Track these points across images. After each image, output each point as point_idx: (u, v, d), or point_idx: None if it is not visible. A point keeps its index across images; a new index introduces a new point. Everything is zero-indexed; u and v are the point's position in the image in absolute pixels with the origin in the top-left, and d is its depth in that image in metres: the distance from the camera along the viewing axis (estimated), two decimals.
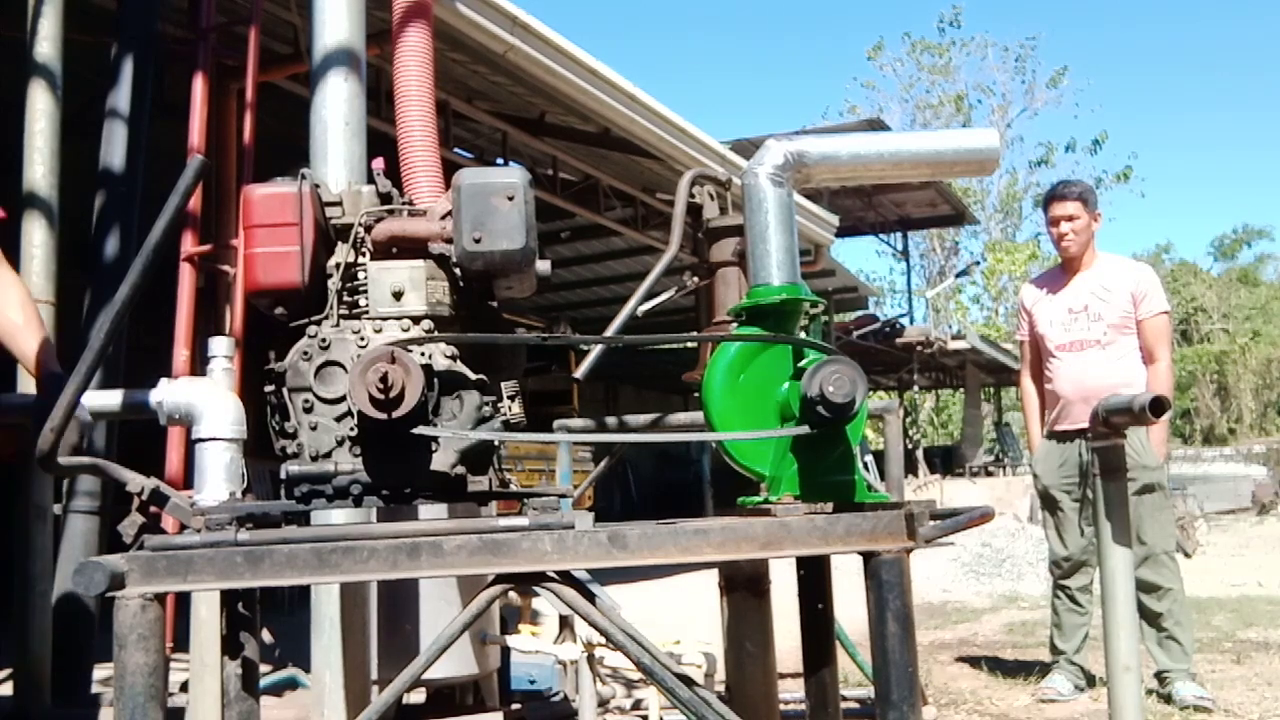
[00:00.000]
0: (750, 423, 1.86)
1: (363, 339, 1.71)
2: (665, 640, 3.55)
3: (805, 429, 1.73)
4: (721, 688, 3.19)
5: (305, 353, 1.70)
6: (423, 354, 1.69)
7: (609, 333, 2.59)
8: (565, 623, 3.94)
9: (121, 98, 4.25)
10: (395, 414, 1.56)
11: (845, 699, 3.74)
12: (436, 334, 1.73)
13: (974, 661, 5.38)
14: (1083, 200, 4.51)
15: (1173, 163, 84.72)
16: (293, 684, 4.68)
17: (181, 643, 3.57)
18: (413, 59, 2.04)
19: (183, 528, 1.65)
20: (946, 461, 21.45)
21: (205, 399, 2.36)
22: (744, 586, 2.68)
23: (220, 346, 2.60)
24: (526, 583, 1.60)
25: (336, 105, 2.91)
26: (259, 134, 4.58)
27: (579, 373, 2.79)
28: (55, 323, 3.70)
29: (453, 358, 1.72)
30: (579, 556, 1.55)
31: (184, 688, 3.45)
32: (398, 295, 1.75)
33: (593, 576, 2.98)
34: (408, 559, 1.52)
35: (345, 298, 1.76)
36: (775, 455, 1.84)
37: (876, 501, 1.80)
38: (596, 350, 2.79)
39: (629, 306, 2.63)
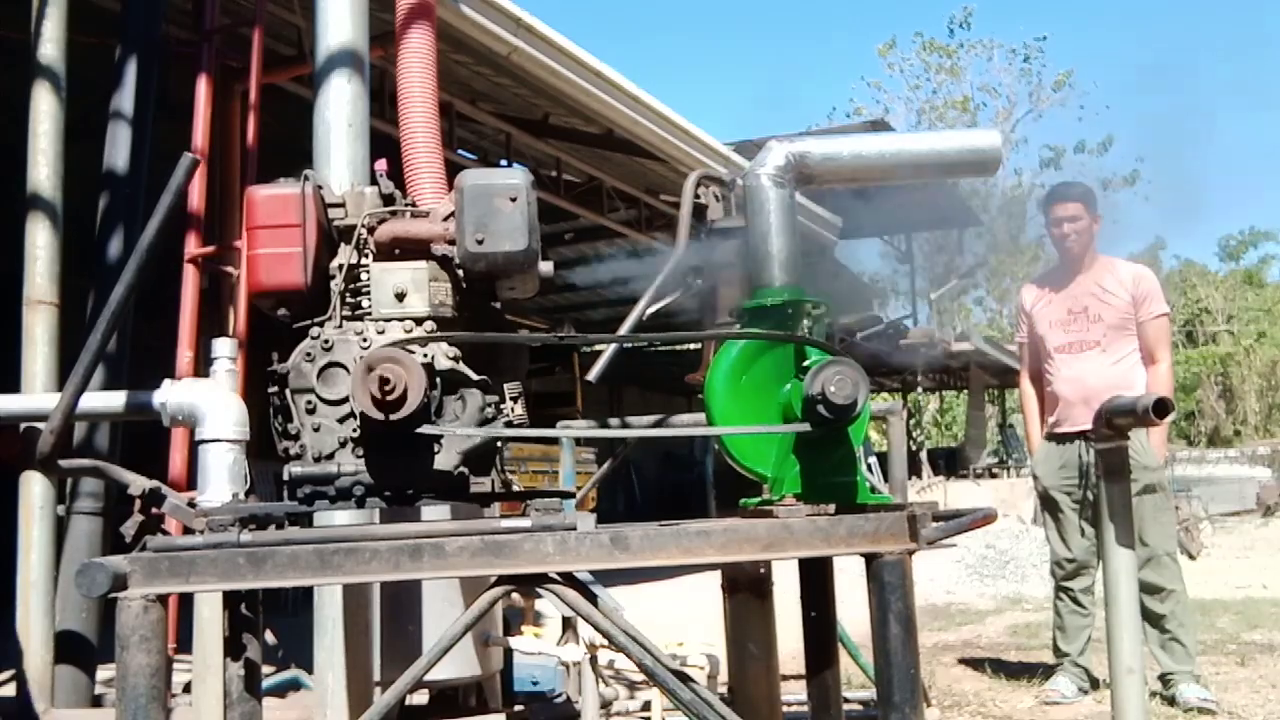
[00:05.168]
0: (752, 423, 1.86)
1: (365, 340, 1.71)
2: (668, 642, 3.54)
3: (807, 426, 1.73)
4: (724, 689, 3.19)
5: (308, 354, 1.70)
6: (425, 355, 1.69)
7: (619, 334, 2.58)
8: (568, 624, 3.94)
9: (125, 99, 4.25)
10: (397, 415, 1.56)
11: (848, 700, 3.74)
12: (439, 334, 1.73)
13: (977, 663, 5.37)
14: (1083, 201, 4.50)
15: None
16: (296, 685, 4.67)
17: (184, 644, 3.57)
18: (416, 60, 2.05)
19: (186, 529, 1.66)
20: (950, 463, 21.42)
21: (208, 400, 2.37)
22: (746, 588, 2.68)
23: (223, 348, 2.61)
24: (529, 584, 1.60)
25: (340, 106, 2.91)
26: (262, 135, 4.59)
27: (591, 375, 2.78)
28: (59, 324, 3.71)
29: (455, 359, 1.72)
30: (581, 558, 1.55)
31: (187, 689, 3.46)
32: (400, 296, 1.75)
33: (595, 578, 2.98)
34: (410, 560, 1.52)
35: (348, 299, 1.76)
36: (777, 456, 1.84)
37: (879, 503, 1.80)
38: (609, 351, 2.78)
39: (638, 309, 2.62)
